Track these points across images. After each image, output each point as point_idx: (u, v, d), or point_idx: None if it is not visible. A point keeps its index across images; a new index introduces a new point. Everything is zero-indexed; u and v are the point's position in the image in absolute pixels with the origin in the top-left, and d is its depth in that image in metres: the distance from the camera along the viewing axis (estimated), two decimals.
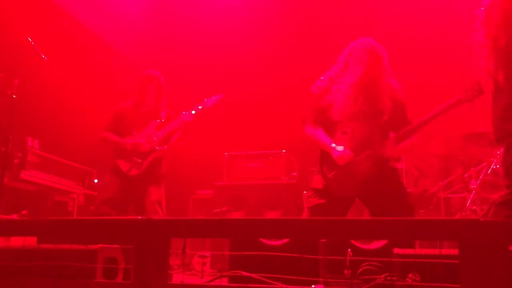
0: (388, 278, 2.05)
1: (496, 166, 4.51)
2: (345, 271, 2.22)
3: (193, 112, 4.22)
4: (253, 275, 2.24)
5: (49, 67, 3.94)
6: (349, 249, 2.30)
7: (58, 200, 5.00)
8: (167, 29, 7.13)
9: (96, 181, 5.37)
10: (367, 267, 2.22)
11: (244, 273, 2.33)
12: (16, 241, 2.40)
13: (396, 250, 2.08)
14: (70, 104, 5.66)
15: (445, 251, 2.01)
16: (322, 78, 3.48)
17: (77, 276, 2.14)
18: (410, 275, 1.96)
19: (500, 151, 4.46)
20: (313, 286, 2.17)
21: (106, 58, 6.66)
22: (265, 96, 6.86)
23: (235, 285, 2.13)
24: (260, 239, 2.63)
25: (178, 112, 4.32)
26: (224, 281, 2.53)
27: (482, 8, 2.59)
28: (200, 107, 4.26)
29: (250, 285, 1.95)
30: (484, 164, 4.73)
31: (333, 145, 3.26)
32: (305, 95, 3.58)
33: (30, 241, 2.42)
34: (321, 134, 3.39)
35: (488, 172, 4.56)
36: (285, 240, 2.59)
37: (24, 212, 4.00)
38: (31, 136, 4.63)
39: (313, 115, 3.46)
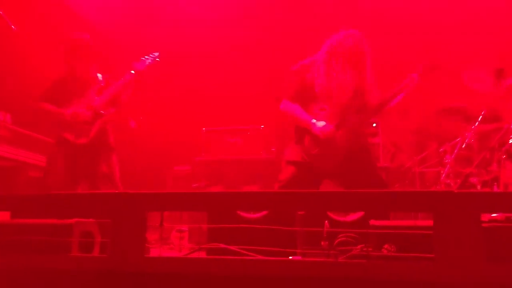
0: (364, 249, 2.08)
1: (471, 141, 4.59)
2: (322, 243, 2.25)
3: (147, 61, 3.86)
4: (231, 248, 2.25)
5: (19, 37, 3.79)
6: (326, 221, 2.33)
7: (33, 176, 4.91)
8: (145, 3, 6.95)
9: None
10: (344, 238, 2.25)
11: (222, 246, 2.35)
12: None
13: (373, 222, 2.11)
14: (43, 77, 5.49)
15: (420, 222, 2.05)
16: (304, 61, 3.50)
17: (52, 250, 2.12)
18: (385, 246, 1.99)
19: (474, 126, 4.54)
20: (290, 257, 2.19)
21: (80, 30, 6.46)
22: (243, 71, 6.79)
23: (213, 257, 2.14)
24: (238, 212, 2.64)
25: (115, 75, 3.94)
26: (202, 254, 2.54)
27: None
28: (151, 56, 3.92)
29: (228, 257, 1.96)
30: (458, 139, 4.80)
31: (314, 120, 3.29)
32: (284, 74, 3.57)
33: (4, 216, 2.38)
34: (299, 110, 3.40)
35: (463, 146, 4.64)
36: (263, 213, 2.61)
37: None
38: (2, 110, 4.50)
39: (294, 92, 3.46)
